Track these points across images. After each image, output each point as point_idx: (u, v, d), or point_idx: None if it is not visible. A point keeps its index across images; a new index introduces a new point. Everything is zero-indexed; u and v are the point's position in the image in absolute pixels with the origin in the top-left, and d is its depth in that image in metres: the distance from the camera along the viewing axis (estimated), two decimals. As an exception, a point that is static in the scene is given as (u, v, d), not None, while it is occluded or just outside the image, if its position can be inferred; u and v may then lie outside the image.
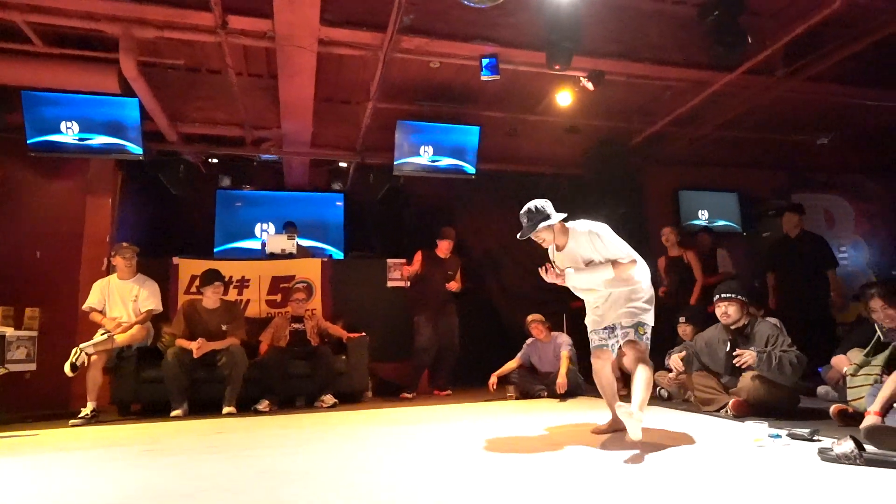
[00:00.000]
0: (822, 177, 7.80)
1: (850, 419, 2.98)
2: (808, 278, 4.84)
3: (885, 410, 2.46)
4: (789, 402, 3.46)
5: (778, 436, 2.65)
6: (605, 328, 3.00)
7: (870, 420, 2.47)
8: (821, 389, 4.02)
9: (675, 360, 3.91)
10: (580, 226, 2.93)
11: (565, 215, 2.95)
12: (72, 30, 4.35)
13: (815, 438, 2.58)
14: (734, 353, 3.50)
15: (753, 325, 3.70)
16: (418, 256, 5.52)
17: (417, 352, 5.32)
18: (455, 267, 5.53)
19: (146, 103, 4.99)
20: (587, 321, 3.13)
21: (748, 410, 3.39)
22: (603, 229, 2.90)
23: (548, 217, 2.86)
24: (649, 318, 2.93)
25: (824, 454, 2.20)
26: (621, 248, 2.87)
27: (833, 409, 3.09)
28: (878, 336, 3.20)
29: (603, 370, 3.08)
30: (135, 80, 4.55)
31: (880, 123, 6.71)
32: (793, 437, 2.63)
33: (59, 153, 5.14)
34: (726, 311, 3.69)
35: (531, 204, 2.93)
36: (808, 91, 5.42)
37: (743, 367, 3.43)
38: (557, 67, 4.37)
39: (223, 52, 4.47)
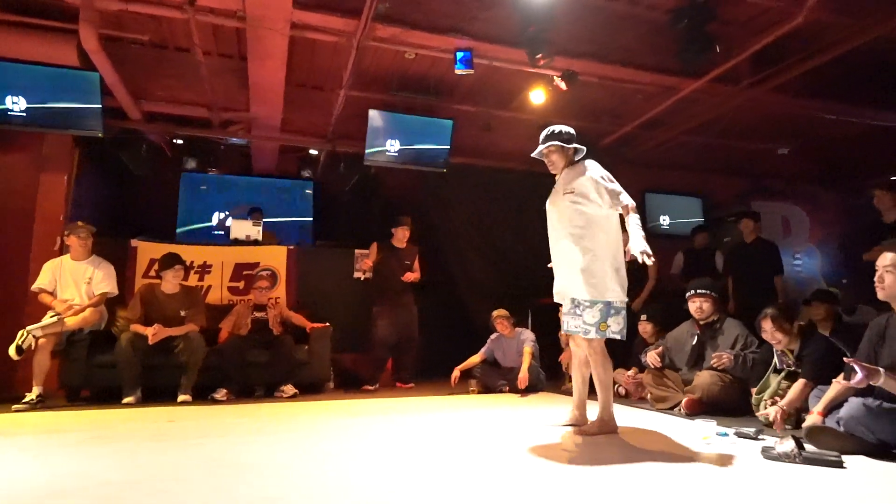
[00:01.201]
0: (780, 185, 8.06)
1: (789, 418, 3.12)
2: (760, 283, 5.00)
3: (827, 411, 2.57)
4: (740, 400, 3.59)
5: (725, 434, 2.74)
6: (570, 308, 2.89)
7: (811, 420, 2.57)
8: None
9: (652, 356, 3.97)
10: (592, 163, 2.90)
11: (583, 151, 2.95)
12: (28, -3, 4.17)
13: (759, 437, 2.68)
14: (713, 355, 3.61)
15: (723, 322, 3.84)
16: (374, 248, 5.46)
17: (376, 344, 5.27)
18: (412, 256, 5.47)
19: (107, 78, 4.81)
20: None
21: (700, 409, 3.50)
22: (597, 167, 2.84)
23: (565, 141, 2.89)
24: (614, 295, 2.78)
25: (767, 452, 2.28)
26: (617, 189, 2.78)
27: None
28: (775, 363, 3.35)
29: (581, 358, 3.02)
30: (95, 54, 4.38)
31: (836, 136, 6.96)
32: (739, 435, 2.72)
33: (9, 126, 4.89)
34: (701, 306, 3.83)
35: (555, 126, 2.96)
36: (771, 101, 5.57)
37: (719, 367, 3.54)
38: (541, 60, 4.32)
39: (191, 29, 4.33)
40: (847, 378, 2.30)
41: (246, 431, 2.95)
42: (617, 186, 2.83)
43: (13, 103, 4.79)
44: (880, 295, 2.48)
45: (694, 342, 3.86)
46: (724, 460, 2.27)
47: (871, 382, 2.22)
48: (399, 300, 5.35)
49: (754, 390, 3.40)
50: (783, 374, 3.28)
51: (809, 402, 2.88)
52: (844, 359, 2.36)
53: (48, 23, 4.47)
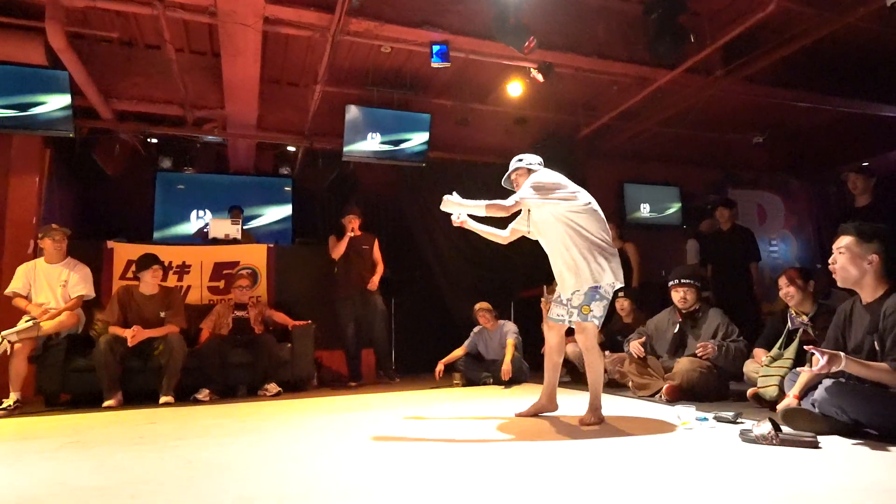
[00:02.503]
0: (754, 174, 8.21)
1: (766, 401, 3.19)
2: (736, 269, 5.09)
3: (802, 394, 2.63)
4: (718, 386, 3.66)
5: (705, 419, 2.79)
6: (560, 300, 3.02)
7: (786, 403, 2.64)
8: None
9: (635, 346, 3.97)
10: (538, 173, 3.06)
11: (538, 161, 3.14)
12: (-9, -6, 4.05)
13: (738, 421, 2.73)
14: (698, 345, 3.65)
15: (704, 310, 3.88)
16: (332, 241, 5.36)
17: (344, 340, 5.25)
18: (370, 242, 5.41)
19: (76, 77, 4.70)
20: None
21: (679, 395, 3.56)
22: (537, 175, 2.99)
23: (526, 164, 3.10)
24: (602, 278, 2.85)
25: (745, 435, 2.33)
26: (523, 192, 2.94)
27: (750, 392, 3.31)
28: (788, 326, 3.40)
29: (552, 345, 3.11)
30: (63, 52, 4.28)
31: (806, 125, 7.11)
32: (718, 419, 2.77)
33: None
34: (685, 296, 3.85)
35: (517, 157, 3.18)
36: (743, 91, 5.67)
37: (703, 357, 3.59)
38: (531, 44, 4.27)
39: (161, 26, 4.25)
40: (810, 365, 2.34)
41: (227, 432, 2.92)
42: (524, 192, 2.95)
43: (16, 96, 4.67)
44: (836, 278, 2.47)
45: (675, 330, 3.91)
46: (704, 444, 2.32)
47: (833, 368, 2.23)
48: (358, 292, 5.26)
49: (764, 361, 3.34)
50: (798, 336, 3.25)
51: (785, 386, 2.94)
52: (805, 346, 2.42)
53: (13, 21, 4.35)
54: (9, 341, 3.89)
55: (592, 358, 2.94)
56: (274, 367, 4.66)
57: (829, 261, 2.50)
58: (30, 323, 4.03)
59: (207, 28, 4.74)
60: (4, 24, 4.40)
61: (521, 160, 3.14)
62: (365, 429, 2.91)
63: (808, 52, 4.85)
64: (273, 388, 4.52)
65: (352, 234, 5.26)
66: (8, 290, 4.29)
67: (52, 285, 4.35)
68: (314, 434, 2.80)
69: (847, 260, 2.42)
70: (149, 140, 6.11)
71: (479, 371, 4.98)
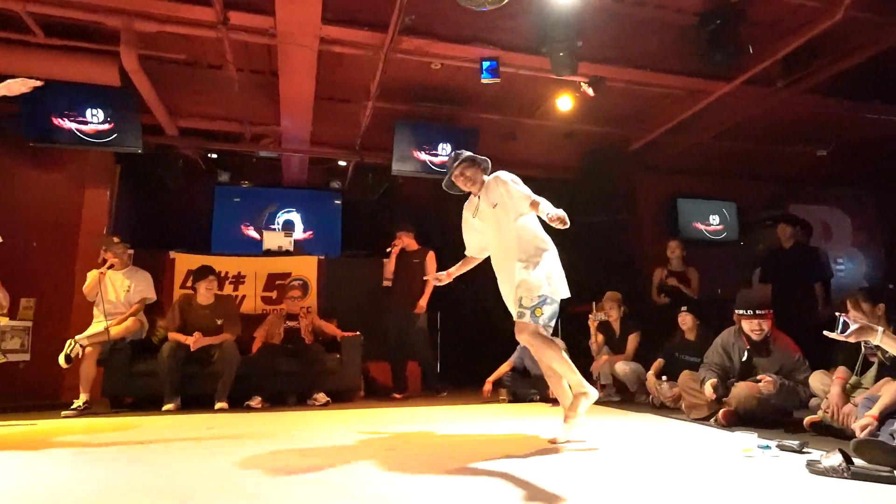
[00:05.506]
0: (817, 189, 7.82)
1: (825, 430, 3.05)
2: (799, 290, 4.84)
3: (883, 417, 2.46)
4: (776, 416, 3.47)
5: (767, 447, 2.65)
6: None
7: (865, 422, 2.48)
8: (813, 402, 4.03)
9: (708, 388, 3.59)
10: (501, 172, 3.04)
11: (489, 163, 3.12)
12: (73, 21, 4.35)
13: (804, 451, 2.59)
14: (761, 377, 3.47)
15: (775, 338, 3.64)
16: (389, 259, 5.51)
17: (391, 353, 5.36)
18: (421, 256, 5.46)
19: (146, 96, 4.99)
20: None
21: (736, 420, 3.41)
22: (509, 177, 2.99)
23: (471, 158, 3.06)
24: (549, 290, 2.83)
25: (812, 466, 2.21)
26: (525, 191, 2.92)
27: (807, 420, 3.16)
28: (862, 352, 3.21)
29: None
30: (135, 73, 4.55)
31: (874, 136, 6.72)
32: (782, 448, 2.63)
33: (56, 144, 5.12)
34: (760, 326, 3.57)
35: (456, 153, 3.12)
36: (805, 103, 5.43)
37: (764, 391, 3.40)
38: (566, 75, 4.32)
39: (224, 47, 4.46)
40: (841, 332, 2.24)
41: (279, 440, 2.99)
42: (525, 189, 2.93)
43: (64, 120, 5.03)
44: None
45: (744, 358, 3.72)
46: (768, 474, 2.21)
47: (863, 338, 2.18)
48: (402, 308, 5.35)
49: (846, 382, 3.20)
50: (874, 366, 3.09)
51: (859, 411, 2.78)
52: (836, 313, 2.28)
53: (91, 45, 4.66)
54: (80, 345, 4.14)
55: (546, 352, 2.84)
56: (322, 376, 4.76)
57: None
58: (101, 328, 4.27)
59: (266, 48, 4.94)
60: (84, 49, 4.71)
61: (468, 156, 3.09)
62: (411, 443, 2.92)
63: (874, 61, 4.61)
64: (322, 397, 4.60)
65: (391, 251, 5.45)
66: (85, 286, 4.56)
67: (116, 291, 4.61)
68: (363, 445, 2.83)
69: None
70: (209, 155, 6.40)
71: (525, 387, 4.92)
